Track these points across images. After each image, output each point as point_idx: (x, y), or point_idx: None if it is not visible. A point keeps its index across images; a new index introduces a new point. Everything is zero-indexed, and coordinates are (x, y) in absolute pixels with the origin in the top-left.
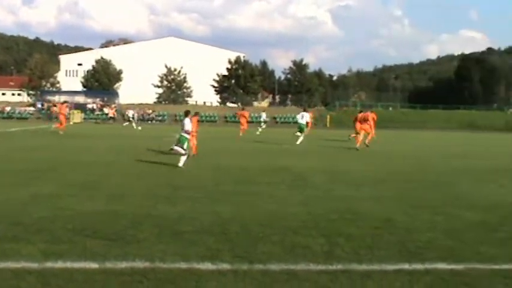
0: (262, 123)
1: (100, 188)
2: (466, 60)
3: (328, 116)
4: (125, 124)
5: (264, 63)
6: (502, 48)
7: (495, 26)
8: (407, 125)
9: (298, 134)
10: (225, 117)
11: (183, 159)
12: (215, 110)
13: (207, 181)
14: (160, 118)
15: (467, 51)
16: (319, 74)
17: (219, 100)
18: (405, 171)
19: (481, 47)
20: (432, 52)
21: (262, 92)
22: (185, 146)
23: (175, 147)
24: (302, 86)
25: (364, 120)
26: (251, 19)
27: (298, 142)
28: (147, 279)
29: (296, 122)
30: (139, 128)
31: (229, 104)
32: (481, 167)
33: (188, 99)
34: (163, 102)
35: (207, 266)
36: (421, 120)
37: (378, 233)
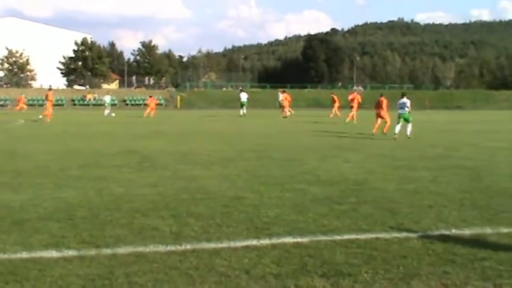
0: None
1: None
2: (312, 41)
3: (178, 97)
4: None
5: (112, 45)
6: (345, 29)
7: (337, 7)
8: (258, 104)
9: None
10: (73, 101)
11: (410, 129)
12: (62, 93)
13: (53, 166)
14: (1, 103)
15: (312, 32)
16: (169, 55)
17: (66, 83)
18: (255, 149)
19: (325, 28)
20: (280, 33)
21: (110, 74)
22: (410, 120)
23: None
24: (152, 67)
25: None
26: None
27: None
28: None
29: None
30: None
31: (76, 87)
32: (327, 143)
33: (32, 82)
34: (4, 86)
35: (52, 253)
36: (271, 99)
37: (227, 211)
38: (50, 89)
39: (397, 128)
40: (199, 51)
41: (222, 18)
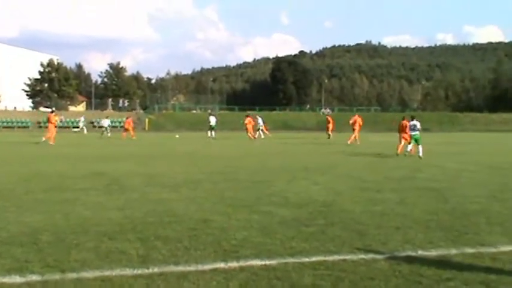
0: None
1: None
2: (280, 63)
3: (146, 120)
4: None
5: (79, 66)
6: (313, 51)
7: (305, 30)
8: (227, 127)
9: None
10: (39, 123)
11: (421, 150)
12: (27, 115)
13: (17, 189)
14: None
15: (281, 54)
16: (137, 77)
17: (32, 105)
18: (223, 171)
19: (293, 50)
20: (248, 55)
21: (77, 96)
22: (420, 142)
23: (419, 148)
24: (120, 89)
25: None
26: (63, 20)
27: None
28: None
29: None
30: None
31: (42, 109)
32: (296, 164)
33: None
34: None
35: (14, 278)
36: (239, 121)
37: (195, 234)
38: (52, 111)
39: (409, 147)
40: (167, 73)
41: (191, 40)
